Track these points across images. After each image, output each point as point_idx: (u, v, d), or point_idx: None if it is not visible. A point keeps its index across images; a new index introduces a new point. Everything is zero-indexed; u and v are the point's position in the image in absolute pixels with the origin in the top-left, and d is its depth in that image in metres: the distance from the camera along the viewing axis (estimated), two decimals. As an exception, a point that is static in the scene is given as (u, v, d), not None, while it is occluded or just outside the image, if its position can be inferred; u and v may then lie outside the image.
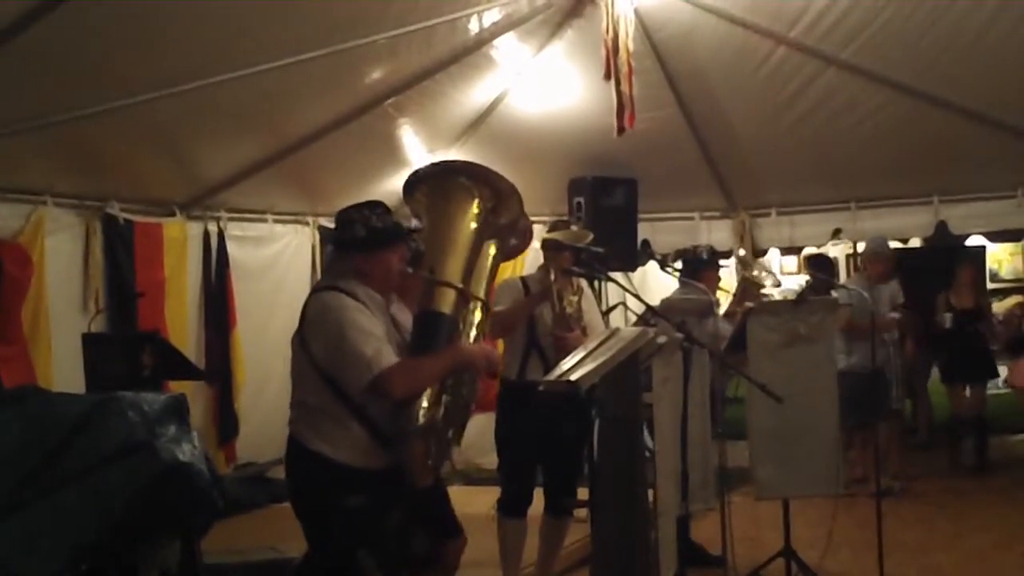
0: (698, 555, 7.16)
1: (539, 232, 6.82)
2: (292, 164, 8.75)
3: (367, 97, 8.26)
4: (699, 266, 7.78)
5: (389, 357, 4.05)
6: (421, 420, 4.18)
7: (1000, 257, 17.70)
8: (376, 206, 4.40)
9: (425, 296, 4.33)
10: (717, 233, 11.20)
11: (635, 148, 8.86)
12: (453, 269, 4.30)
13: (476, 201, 4.41)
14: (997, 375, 10.88)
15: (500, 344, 7.04)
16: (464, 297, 4.32)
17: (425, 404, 4.19)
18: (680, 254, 8.11)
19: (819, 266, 10.20)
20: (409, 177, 4.44)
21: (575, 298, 6.38)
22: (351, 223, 4.34)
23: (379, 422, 4.16)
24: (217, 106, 7.38)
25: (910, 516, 8.77)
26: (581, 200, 9.67)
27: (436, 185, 4.47)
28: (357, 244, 4.30)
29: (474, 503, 8.11)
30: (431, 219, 4.48)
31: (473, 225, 4.40)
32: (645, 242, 10.60)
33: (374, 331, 4.12)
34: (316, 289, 4.34)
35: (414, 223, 4.83)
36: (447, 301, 4.27)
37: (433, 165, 4.58)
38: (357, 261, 4.30)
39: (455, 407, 4.34)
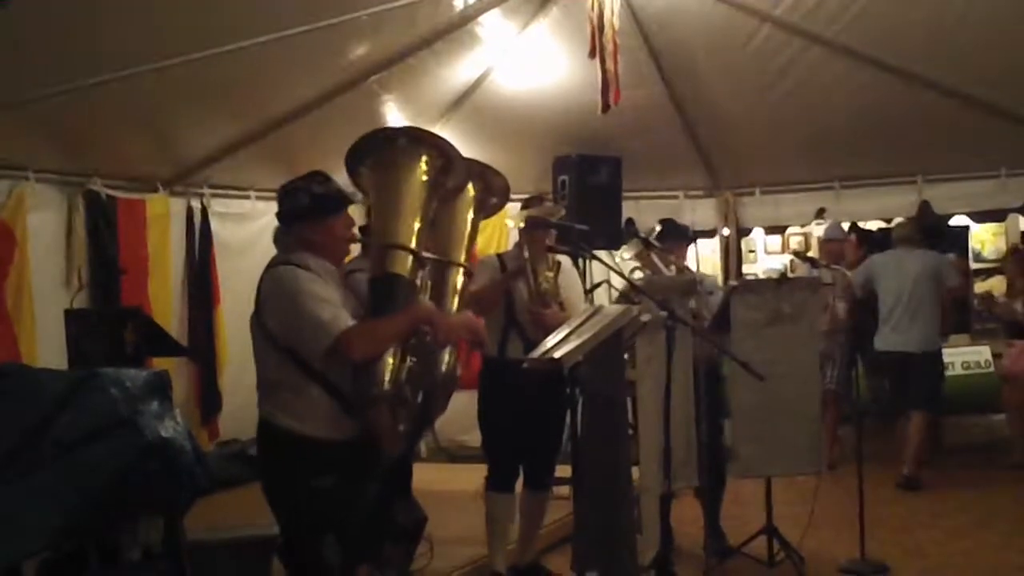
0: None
1: (512, 210, 6.80)
2: (275, 141, 8.72)
3: (351, 74, 8.24)
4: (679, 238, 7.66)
5: (346, 320, 4.04)
6: (386, 385, 4.16)
7: (983, 237, 17.71)
8: (317, 175, 4.35)
9: (377, 262, 4.33)
10: (701, 212, 11.22)
11: (620, 126, 8.85)
12: (405, 232, 4.29)
13: (424, 159, 4.40)
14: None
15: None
16: (419, 259, 4.31)
17: (389, 367, 4.18)
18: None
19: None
20: (348, 154, 4.41)
21: (551, 274, 6.36)
22: (294, 194, 4.31)
23: (342, 388, 4.15)
24: (200, 82, 7.35)
25: (891, 495, 8.82)
26: (566, 178, 9.66)
27: (379, 155, 4.45)
28: (302, 213, 4.27)
29: (457, 480, 8.16)
30: (378, 187, 4.46)
31: (422, 184, 4.39)
32: (629, 220, 10.58)
33: (329, 297, 4.10)
34: (268, 266, 4.30)
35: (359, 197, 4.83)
36: (401, 264, 4.25)
37: (370, 135, 4.53)
38: (304, 231, 4.27)
39: (421, 370, 4.33)
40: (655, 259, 7.13)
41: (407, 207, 4.37)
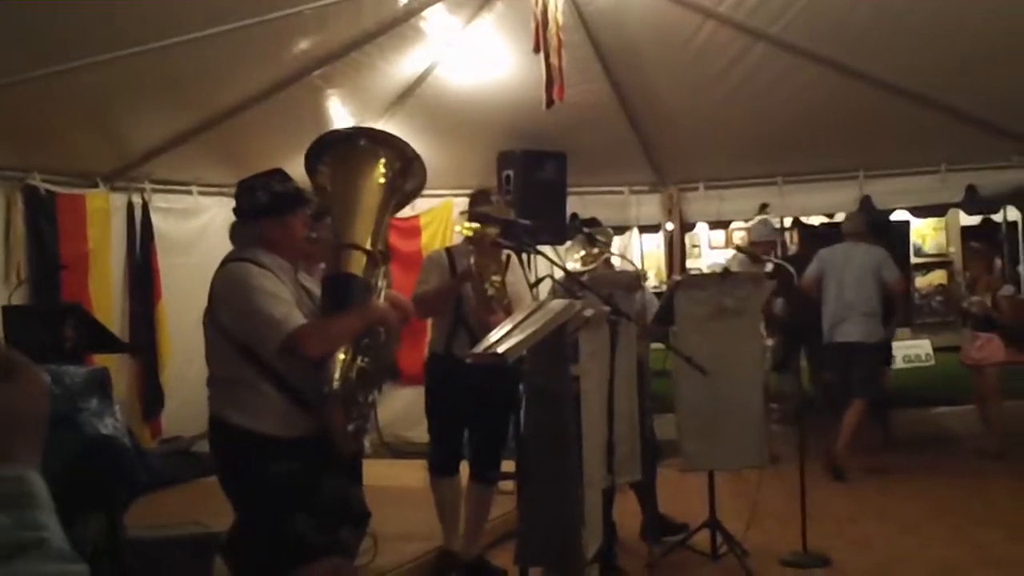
0: (666, 525, 7.25)
1: (461, 205, 6.78)
2: (218, 135, 8.65)
3: (295, 68, 8.18)
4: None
5: (298, 318, 4.06)
6: (336, 384, 4.17)
7: (924, 232, 17.97)
8: (276, 173, 4.39)
9: (333, 260, 4.33)
10: (646, 207, 11.24)
11: (565, 122, 8.84)
12: (361, 232, 4.31)
13: (382, 162, 4.43)
14: (891, 361, 11.08)
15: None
16: (373, 259, 4.32)
17: (340, 365, 4.19)
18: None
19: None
20: (308, 152, 4.44)
21: (497, 279, 6.36)
22: (252, 190, 4.32)
23: (296, 386, 4.15)
24: (143, 76, 7.28)
25: (839, 487, 8.87)
26: (510, 173, 9.63)
27: (338, 153, 4.48)
28: (260, 210, 4.29)
29: (402, 476, 8.14)
30: (337, 185, 4.49)
31: (380, 186, 4.42)
32: (574, 216, 10.60)
33: (281, 294, 4.12)
34: (222, 263, 4.31)
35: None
36: (356, 264, 4.27)
37: (331, 134, 4.57)
38: (262, 228, 4.29)
39: (374, 369, 4.34)
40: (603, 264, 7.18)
41: (365, 208, 4.39)
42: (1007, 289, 10.52)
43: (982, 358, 10.03)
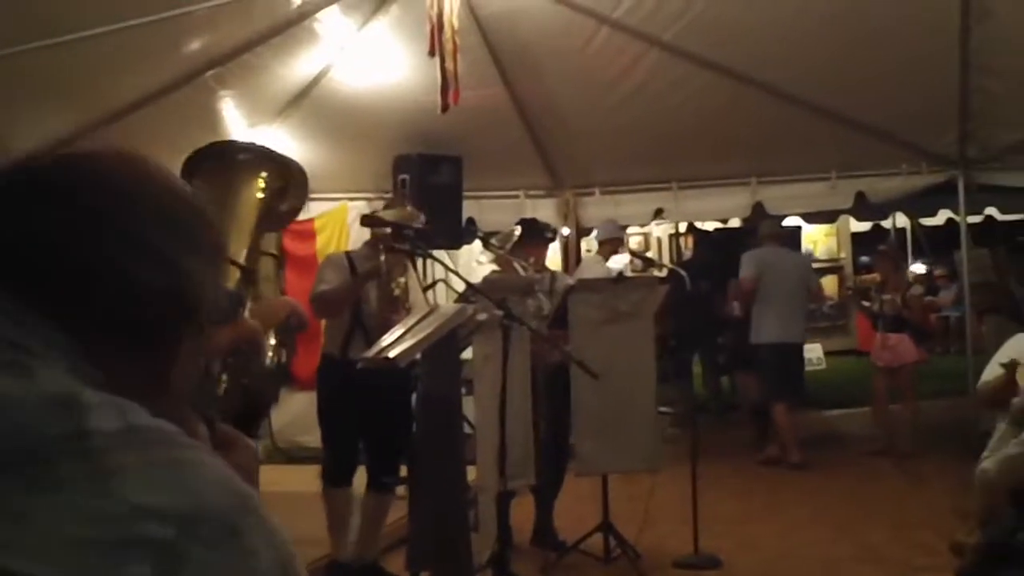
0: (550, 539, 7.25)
1: (363, 210, 6.73)
2: (107, 137, 8.47)
3: (186, 69, 8.04)
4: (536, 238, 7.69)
5: None
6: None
7: (815, 237, 18.28)
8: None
9: None
10: (542, 211, 11.22)
11: (461, 126, 8.82)
12: (235, 245, 4.25)
13: (263, 177, 4.38)
14: None
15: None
16: (247, 275, 4.26)
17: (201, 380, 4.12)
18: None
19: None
20: (187, 161, 4.37)
21: (403, 279, 6.33)
22: None
23: None
24: (22, 76, 7.10)
25: (729, 489, 8.95)
26: (406, 177, 9.58)
27: (218, 164, 4.42)
28: None
29: (295, 481, 8.03)
30: (215, 193, 4.42)
31: (257, 201, 4.36)
32: (470, 220, 10.59)
33: None
34: None
35: None
36: (230, 277, 4.21)
37: (214, 145, 4.51)
38: None
39: (232, 389, 4.27)
40: (513, 261, 7.14)
41: (240, 221, 4.33)
42: (916, 289, 10.85)
43: (896, 358, 10.24)
